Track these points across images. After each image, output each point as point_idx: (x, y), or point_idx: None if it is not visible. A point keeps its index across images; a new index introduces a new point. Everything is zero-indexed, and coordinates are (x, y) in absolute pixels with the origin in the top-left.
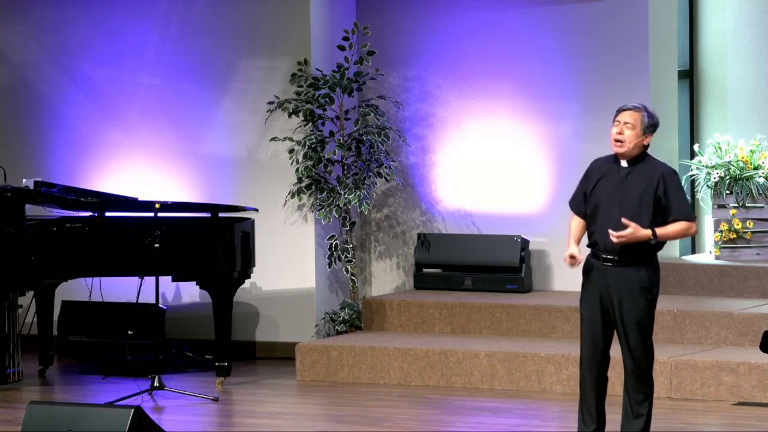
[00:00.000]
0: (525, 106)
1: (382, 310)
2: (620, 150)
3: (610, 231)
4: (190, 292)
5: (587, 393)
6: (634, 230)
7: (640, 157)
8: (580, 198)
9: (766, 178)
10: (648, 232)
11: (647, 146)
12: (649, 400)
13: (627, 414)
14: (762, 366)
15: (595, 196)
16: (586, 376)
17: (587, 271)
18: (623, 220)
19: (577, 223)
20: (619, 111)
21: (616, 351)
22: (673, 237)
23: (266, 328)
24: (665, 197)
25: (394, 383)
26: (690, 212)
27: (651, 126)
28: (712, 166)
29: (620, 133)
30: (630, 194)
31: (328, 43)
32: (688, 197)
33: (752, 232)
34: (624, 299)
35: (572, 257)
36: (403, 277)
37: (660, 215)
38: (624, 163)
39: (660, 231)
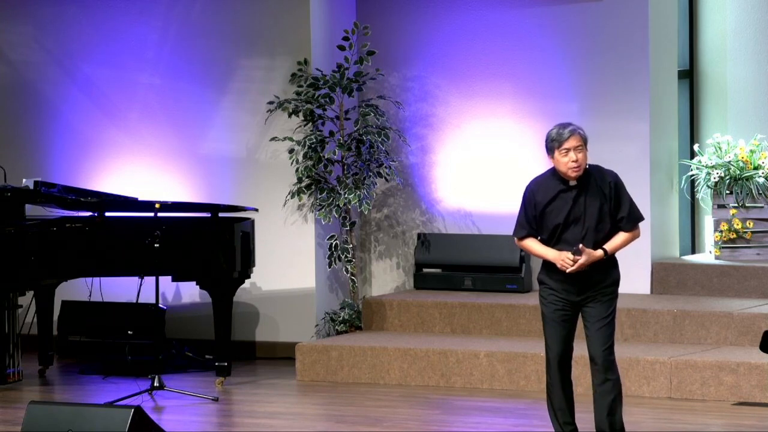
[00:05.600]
0: (525, 106)
1: (382, 310)
2: (578, 174)
3: (565, 264)
4: (190, 292)
5: (560, 394)
6: (587, 256)
7: (585, 170)
8: (530, 222)
9: (766, 178)
10: (600, 252)
11: None
12: (619, 390)
13: (602, 410)
14: (762, 366)
15: (550, 218)
16: (557, 376)
17: (549, 277)
18: (580, 246)
19: (535, 241)
20: (563, 140)
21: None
22: (623, 247)
23: (266, 328)
24: (615, 205)
25: (394, 383)
26: (640, 216)
27: (587, 140)
28: (712, 166)
29: (576, 160)
30: (589, 208)
31: (328, 43)
32: (688, 197)
33: (752, 232)
34: (596, 296)
35: (572, 254)
36: (403, 277)
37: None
38: (572, 182)
39: (610, 247)
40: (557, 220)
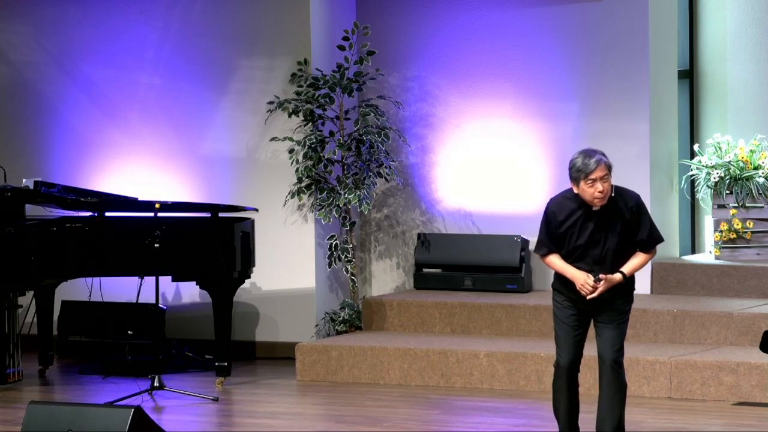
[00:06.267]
0: (525, 106)
1: (382, 310)
2: (604, 203)
3: (585, 288)
4: (190, 292)
5: (566, 397)
6: (608, 283)
7: None
8: (552, 240)
9: (766, 178)
10: (619, 276)
11: None
12: (624, 392)
13: (605, 411)
14: (762, 366)
15: (571, 240)
16: (564, 381)
17: (566, 285)
18: (600, 276)
19: (558, 257)
20: (589, 171)
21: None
22: (640, 269)
23: (266, 328)
24: (636, 227)
25: (394, 383)
26: (659, 238)
27: (611, 168)
28: (712, 166)
29: (602, 191)
30: (611, 232)
31: (328, 43)
32: (688, 197)
33: (752, 232)
34: (612, 304)
35: (594, 281)
36: (403, 277)
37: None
38: (595, 207)
39: (628, 270)
40: (578, 242)
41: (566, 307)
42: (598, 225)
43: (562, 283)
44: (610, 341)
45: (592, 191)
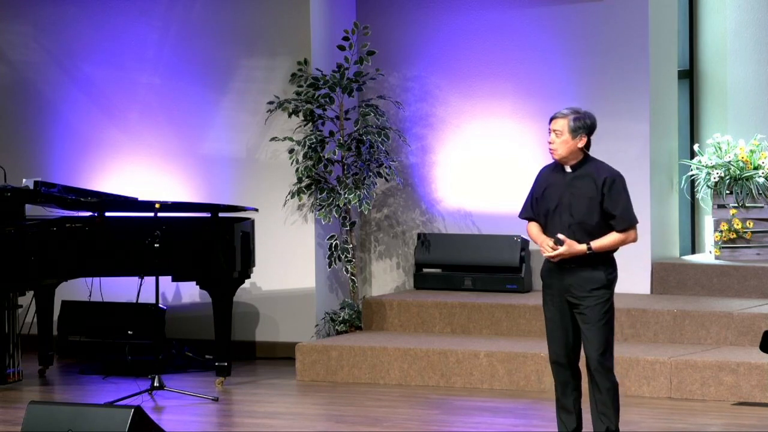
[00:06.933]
0: (525, 106)
1: (382, 310)
2: (554, 156)
3: (545, 250)
4: (190, 292)
5: (560, 394)
6: (568, 247)
7: (583, 160)
8: (531, 203)
9: (766, 178)
10: (583, 246)
11: (587, 148)
12: (613, 397)
13: (594, 411)
14: (762, 366)
15: (545, 202)
16: (555, 378)
17: (547, 274)
18: (559, 235)
19: (536, 226)
20: (551, 119)
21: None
22: (611, 248)
23: (266, 328)
24: (609, 203)
25: (394, 383)
26: (633, 219)
27: (580, 128)
28: (712, 166)
29: (551, 142)
30: (578, 198)
31: (328, 43)
32: (688, 197)
33: (752, 232)
34: (586, 298)
35: (554, 242)
36: (403, 277)
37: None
38: (568, 168)
39: (596, 244)
40: (549, 204)
41: (546, 302)
42: (568, 188)
43: (546, 263)
44: (593, 344)
45: (548, 139)
